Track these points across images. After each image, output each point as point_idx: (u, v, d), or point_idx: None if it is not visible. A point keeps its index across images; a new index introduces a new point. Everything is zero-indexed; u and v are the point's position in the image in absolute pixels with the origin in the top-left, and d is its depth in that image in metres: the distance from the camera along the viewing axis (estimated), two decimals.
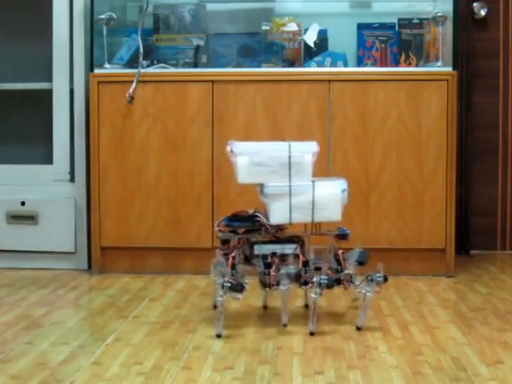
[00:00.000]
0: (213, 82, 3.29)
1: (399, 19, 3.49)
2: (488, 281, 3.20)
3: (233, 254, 2.43)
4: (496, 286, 3.09)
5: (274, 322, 2.50)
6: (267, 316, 2.63)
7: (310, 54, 3.45)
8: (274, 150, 2.45)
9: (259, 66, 3.40)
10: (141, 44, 3.33)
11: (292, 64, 3.42)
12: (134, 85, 3.29)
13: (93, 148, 3.33)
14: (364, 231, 3.25)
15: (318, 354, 2.18)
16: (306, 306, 2.69)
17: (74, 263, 3.45)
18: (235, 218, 2.51)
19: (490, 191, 3.86)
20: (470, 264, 3.57)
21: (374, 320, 2.55)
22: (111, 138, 3.33)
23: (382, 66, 3.42)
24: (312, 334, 2.36)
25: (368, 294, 2.38)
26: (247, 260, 2.51)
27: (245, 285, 2.37)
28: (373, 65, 3.42)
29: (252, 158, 2.43)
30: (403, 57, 3.42)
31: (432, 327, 2.46)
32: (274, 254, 2.45)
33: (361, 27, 3.48)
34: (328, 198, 2.44)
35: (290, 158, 2.42)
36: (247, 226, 2.49)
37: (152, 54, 3.46)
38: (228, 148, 2.48)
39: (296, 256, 2.45)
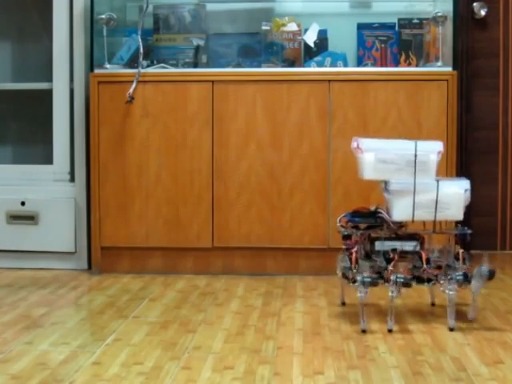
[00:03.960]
0: (213, 82, 3.29)
1: (399, 19, 3.49)
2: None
3: (355, 250, 2.47)
4: (496, 286, 3.08)
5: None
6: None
7: (310, 53, 3.45)
8: (400, 147, 2.48)
9: (259, 66, 3.40)
10: (141, 44, 3.33)
11: (292, 64, 3.42)
12: (133, 85, 3.29)
13: (93, 148, 3.33)
14: None
15: (318, 354, 2.18)
16: (433, 304, 2.74)
17: (74, 263, 3.45)
18: (357, 214, 2.56)
19: (489, 191, 3.86)
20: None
21: (374, 320, 2.55)
22: (111, 137, 3.33)
23: (382, 65, 3.42)
24: (451, 329, 2.40)
25: (474, 292, 2.42)
26: (367, 256, 2.54)
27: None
28: (373, 65, 3.42)
29: (378, 155, 2.46)
30: (403, 57, 3.42)
31: (432, 327, 2.46)
32: (394, 251, 2.48)
33: (361, 27, 3.48)
34: (451, 197, 2.47)
35: (415, 156, 2.45)
36: (369, 222, 2.53)
37: (152, 54, 3.46)
38: (354, 144, 2.51)
39: (416, 253, 2.48)
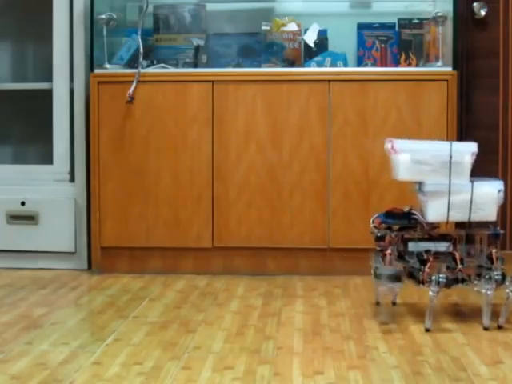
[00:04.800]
0: (213, 82, 3.29)
1: (399, 19, 3.48)
2: None
3: (389, 251, 2.48)
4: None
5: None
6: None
7: (310, 53, 3.45)
8: (435, 149, 2.49)
9: (259, 66, 3.40)
10: (141, 44, 3.33)
11: (292, 64, 3.42)
12: (134, 85, 3.29)
13: (93, 148, 3.33)
14: (364, 231, 3.25)
15: (318, 354, 2.18)
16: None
17: (74, 263, 3.44)
18: (391, 215, 2.57)
19: None
20: None
21: (374, 320, 2.55)
22: (111, 137, 3.33)
23: (382, 66, 3.41)
24: (486, 329, 2.40)
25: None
26: (400, 256, 2.55)
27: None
28: (373, 65, 3.42)
29: (414, 156, 2.47)
30: (403, 57, 3.42)
31: (432, 327, 2.46)
32: (428, 252, 2.48)
33: (361, 27, 3.47)
34: (485, 198, 2.48)
35: (450, 157, 2.46)
36: (403, 224, 2.54)
37: (152, 54, 3.46)
38: (388, 145, 2.51)
39: (449, 254, 2.49)
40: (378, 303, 2.76)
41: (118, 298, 2.91)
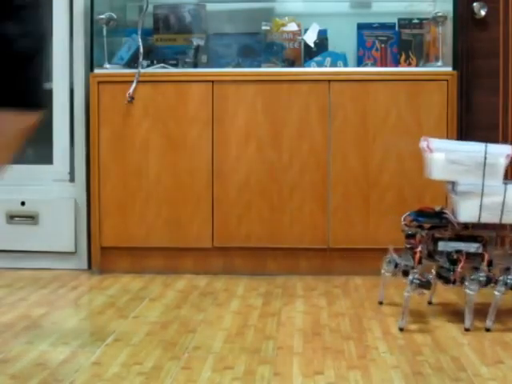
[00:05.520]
0: (213, 82, 3.29)
1: (399, 19, 3.48)
2: None
3: (419, 249, 2.48)
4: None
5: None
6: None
7: (310, 54, 3.45)
8: (470, 149, 2.50)
9: (259, 66, 3.40)
10: (141, 44, 3.33)
11: (292, 64, 3.42)
12: (133, 85, 3.29)
13: (93, 148, 3.33)
14: (364, 231, 3.25)
15: (318, 354, 2.18)
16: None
17: (74, 263, 3.44)
18: (422, 214, 2.58)
19: None
20: None
21: (374, 320, 2.55)
22: (111, 137, 3.33)
23: (382, 66, 3.41)
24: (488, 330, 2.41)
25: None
26: (429, 255, 2.55)
27: (431, 281, 2.45)
28: (373, 65, 3.42)
29: (448, 156, 2.48)
30: (403, 57, 3.42)
31: (432, 327, 2.46)
32: (458, 252, 2.49)
33: (361, 27, 3.47)
34: None
35: (485, 158, 2.46)
36: (434, 223, 2.55)
37: (152, 54, 3.45)
38: (423, 144, 2.52)
39: (479, 255, 2.49)
40: (380, 303, 2.76)
41: (118, 298, 2.91)
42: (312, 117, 3.27)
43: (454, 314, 2.65)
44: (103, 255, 3.36)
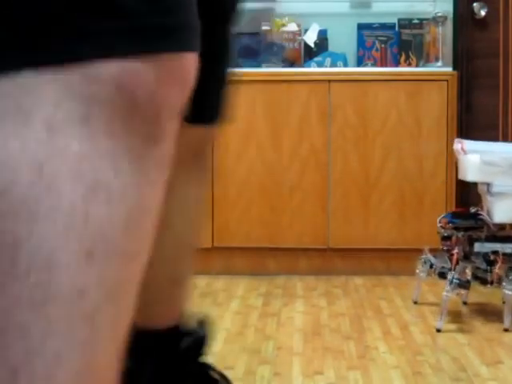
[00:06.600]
0: None
1: (399, 19, 3.49)
2: None
3: (456, 251, 2.49)
4: (496, 286, 3.08)
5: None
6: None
7: (310, 54, 3.45)
8: (505, 150, 2.53)
9: (259, 66, 3.40)
10: None
11: (292, 64, 3.42)
12: None
13: None
14: (364, 231, 3.25)
15: (318, 354, 2.18)
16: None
17: None
18: (457, 215, 2.59)
19: None
20: None
21: (374, 320, 2.55)
22: None
23: (382, 66, 3.42)
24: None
25: None
26: (465, 257, 2.55)
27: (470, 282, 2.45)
28: (373, 65, 3.42)
29: (483, 157, 2.48)
30: (403, 57, 3.42)
31: (432, 327, 2.46)
32: (495, 253, 2.49)
33: (361, 27, 3.48)
34: None
35: None
36: (469, 224, 2.55)
37: None
38: (458, 145, 2.53)
39: None
40: (415, 302, 2.76)
41: None
42: (312, 117, 3.27)
43: (456, 314, 2.65)
44: None
